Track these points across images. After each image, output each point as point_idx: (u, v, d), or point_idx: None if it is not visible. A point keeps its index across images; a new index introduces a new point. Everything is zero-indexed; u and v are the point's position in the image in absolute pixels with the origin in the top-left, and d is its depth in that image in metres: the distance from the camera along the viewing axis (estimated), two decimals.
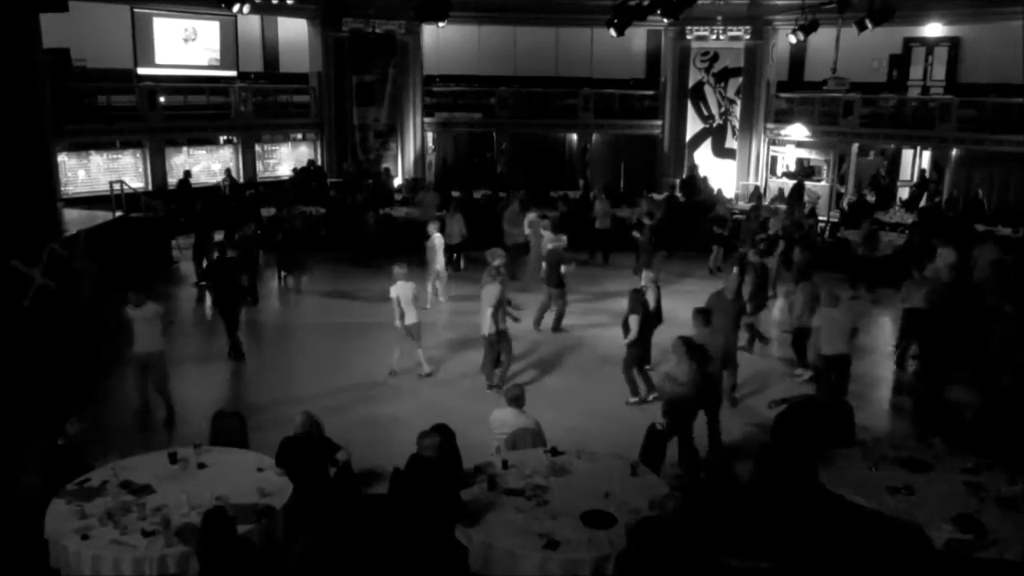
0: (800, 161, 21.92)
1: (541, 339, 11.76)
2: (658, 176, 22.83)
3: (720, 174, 22.02)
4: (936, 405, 8.95)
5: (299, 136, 22.03)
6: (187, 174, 18.35)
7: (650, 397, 9.41)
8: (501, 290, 9.85)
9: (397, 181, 21.83)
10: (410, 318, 10.12)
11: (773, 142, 22.04)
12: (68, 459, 6.37)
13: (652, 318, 10.05)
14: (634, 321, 9.49)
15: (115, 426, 8.75)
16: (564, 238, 13.03)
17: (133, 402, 9.14)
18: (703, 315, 8.63)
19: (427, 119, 22.75)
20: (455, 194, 19.51)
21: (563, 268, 11.99)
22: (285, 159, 21.77)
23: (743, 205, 20.05)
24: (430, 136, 23.31)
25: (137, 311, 8.86)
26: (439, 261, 13.41)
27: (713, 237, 16.29)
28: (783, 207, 19.01)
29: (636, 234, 14.99)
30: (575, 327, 12.34)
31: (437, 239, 13.37)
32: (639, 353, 9.70)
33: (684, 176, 22.00)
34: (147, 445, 7.29)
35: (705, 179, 21.47)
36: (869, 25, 17.17)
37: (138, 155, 18.79)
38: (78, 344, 10.58)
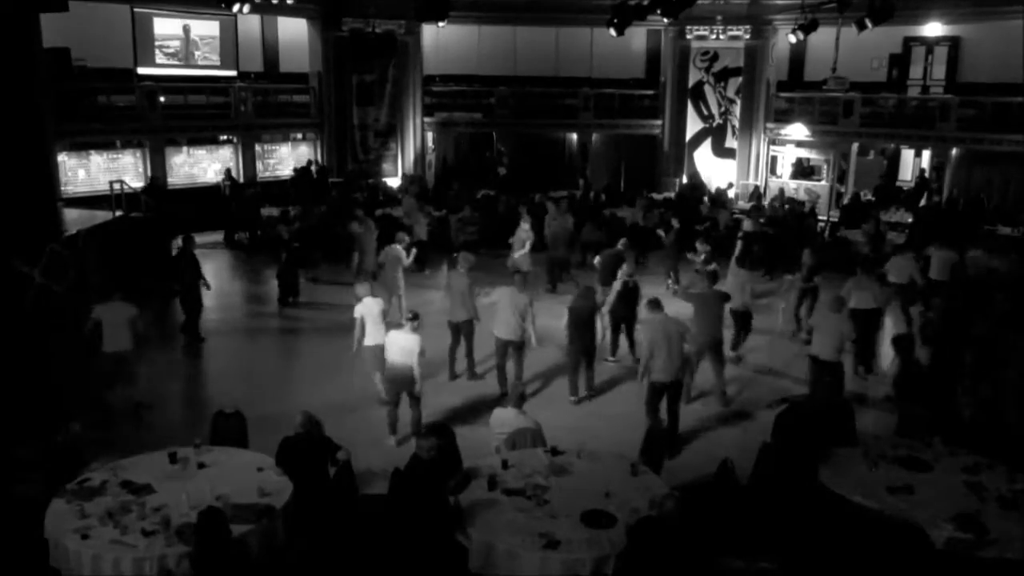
0: (800, 161, 21.93)
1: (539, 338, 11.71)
2: (658, 176, 22.83)
3: (720, 174, 22.02)
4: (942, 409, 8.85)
5: (299, 136, 22.03)
6: (154, 179, 18.11)
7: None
8: (468, 281, 10.17)
9: (396, 181, 21.83)
10: (377, 338, 9.15)
11: (773, 142, 22.03)
12: (67, 458, 6.37)
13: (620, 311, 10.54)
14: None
15: (117, 425, 8.77)
16: (626, 240, 12.86)
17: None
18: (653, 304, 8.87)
19: (427, 119, 22.74)
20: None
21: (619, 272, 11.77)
22: (285, 159, 21.77)
23: (743, 205, 20.09)
24: (430, 136, 23.31)
25: None
26: (398, 273, 12.33)
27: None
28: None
29: (661, 233, 14.77)
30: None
31: (399, 249, 12.37)
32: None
33: (684, 180, 21.99)
34: (147, 445, 7.26)
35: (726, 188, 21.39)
36: (869, 24, 17.17)
37: (138, 155, 18.78)
38: (79, 343, 10.56)
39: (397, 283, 12.25)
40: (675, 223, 14.69)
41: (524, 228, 13.87)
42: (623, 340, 10.95)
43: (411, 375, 8.27)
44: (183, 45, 19.93)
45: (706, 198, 20.05)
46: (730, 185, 21.51)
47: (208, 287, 12.03)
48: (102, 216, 14.41)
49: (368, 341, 9.21)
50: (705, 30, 21.65)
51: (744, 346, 11.25)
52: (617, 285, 10.61)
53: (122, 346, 9.06)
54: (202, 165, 20.18)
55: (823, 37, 19.18)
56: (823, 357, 9.01)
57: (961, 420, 8.01)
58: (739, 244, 13.83)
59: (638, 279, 11.08)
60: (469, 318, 10.13)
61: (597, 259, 12.63)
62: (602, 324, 9.92)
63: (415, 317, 8.43)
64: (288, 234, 14.50)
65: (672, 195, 21.24)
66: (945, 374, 8.94)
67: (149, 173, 18.59)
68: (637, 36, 22.73)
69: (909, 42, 20.88)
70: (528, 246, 13.81)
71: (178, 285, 11.76)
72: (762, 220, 16.41)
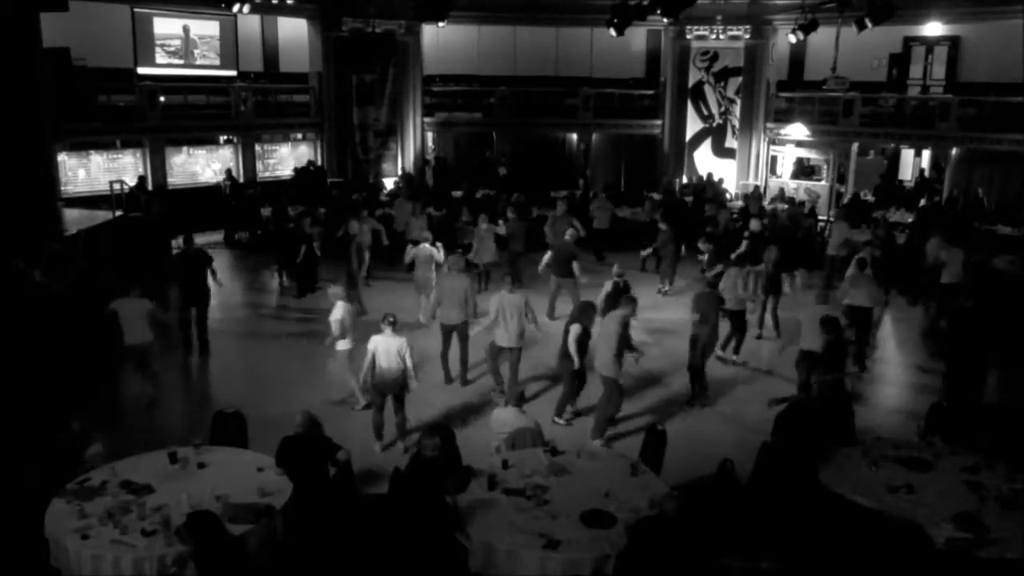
0: (800, 160, 21.93)
1: (540, 339, 11.70)
2: (658, 176, 22.83)
3: (720, 174, 22.01)
4: (966, 408, 8.78)
5: (299, 136, 22.03)
6: (141, 179, 17.96)
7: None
8: (468, 282, 10.17)
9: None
10: (347, 344, 9.26)
11: (773, 141, 22.02)
12: (65, 456, 6.38)
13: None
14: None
15: (118, 423, 8.77)
16: (574, 231, 12.99)
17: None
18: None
19: (427, 119, 22.73)
20: (456, 194, 19.60)
21: (574, 264, 11.98)
22: (285, 159, 21.77)
23: (741, 204, 20.05)
24: (430, 136, 23.31)
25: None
26: (431, 272, 12.13)
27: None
28: (783, 206, 19.04)
29: (651, 248, 14.69)
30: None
31: (429, 248, 12.30)
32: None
33: (691, 182, 21.96)
34: (147, 445, 7.25)
35: (717, 181, 21.43)
36: (869, 24, 17.18)
37: (138, 155, 18.78)
38: (80, 342, 10.56)
39: (429, 282, 12.06)
40: (663, 227, 14.47)
41: (483, 227, 13.91)
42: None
43: (402, 378, 8.25)
44: (183, 45, 19.95)
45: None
46: (721, 180, 21.47)
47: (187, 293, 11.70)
48: (102, 216, 14.43)
49: (341, 346, 9.24)
50: (705, 30, 21.63)
51: (744, 349, 11.24)
52: (608, 286, 10.53)
53: (142, 339, 9.22)
54: (202, 164, 20.18)
55: (823, 37, 19.18)
56: (815, 349, 9.00)
57: (965, 418, 7.99)
58: (745, 244, 13.76)
59: (629, 279, 11.00)
60: (464, 320, 10.05)
61: (548, 254, 12.59)
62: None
63: (394, 321, 8.39)
64: (312, 227, 14.65)
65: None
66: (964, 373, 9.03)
67: (149, 173, 18.58)
68: (637, 36, 22.73)
69: (909, 42, 20.87)
70: (491, 243, 13.81)
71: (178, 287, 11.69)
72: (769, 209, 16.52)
